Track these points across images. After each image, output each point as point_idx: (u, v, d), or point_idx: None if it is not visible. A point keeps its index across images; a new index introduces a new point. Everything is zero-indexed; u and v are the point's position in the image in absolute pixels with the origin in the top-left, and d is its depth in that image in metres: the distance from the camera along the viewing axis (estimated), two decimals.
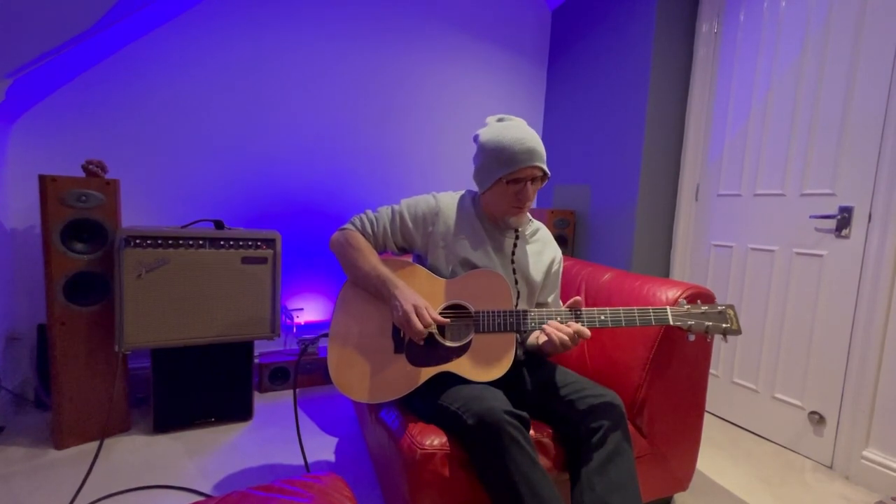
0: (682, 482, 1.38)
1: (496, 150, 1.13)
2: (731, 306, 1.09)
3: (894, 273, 1.51)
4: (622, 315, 1.08)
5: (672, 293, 1.25)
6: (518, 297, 1.23)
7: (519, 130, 1.14)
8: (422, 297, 1.12)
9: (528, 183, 1.15)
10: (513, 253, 1.24)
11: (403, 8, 2.39)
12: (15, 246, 1.81)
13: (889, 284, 1.52)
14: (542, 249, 1.30)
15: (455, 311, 1.14)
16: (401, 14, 2.38)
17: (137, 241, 1.50)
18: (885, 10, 1.53)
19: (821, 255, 1.71)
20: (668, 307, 1.09)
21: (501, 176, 1.13)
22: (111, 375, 1.59)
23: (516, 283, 1.23)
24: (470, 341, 1.11)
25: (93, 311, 1.55)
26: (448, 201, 1.26)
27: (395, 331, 1.15)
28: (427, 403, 1.12)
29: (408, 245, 1.26)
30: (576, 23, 2.58)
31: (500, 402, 1.00)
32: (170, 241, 1.55)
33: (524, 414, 1.01)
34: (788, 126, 1.81)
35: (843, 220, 1.63)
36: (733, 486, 1.54)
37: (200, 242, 1.59)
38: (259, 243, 1.68)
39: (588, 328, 1.06)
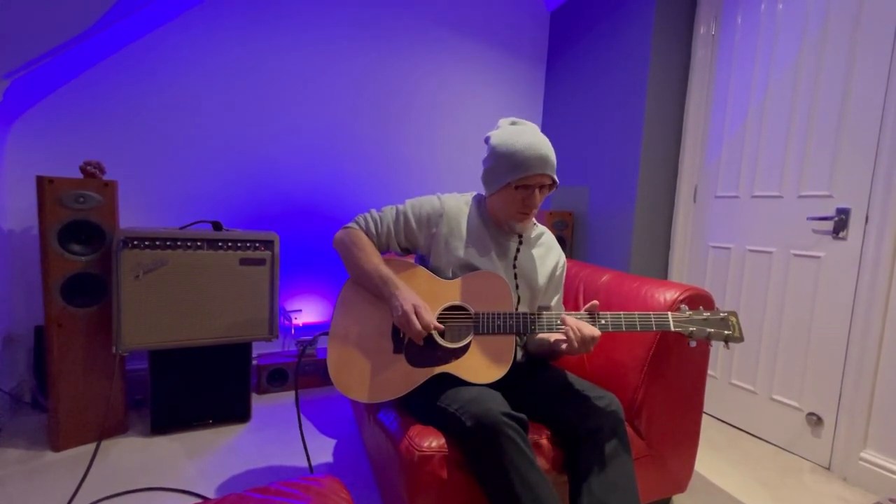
0: (681, 483, 1.38)
1: (507, 155, 1.13)
2: (734, 313, 1.08)
3: (891, 274, 1.52)
4: (623, 320, 1.08)
5: (670, 295, 1.26)
6: (519, 301, 1.23)
7: (532, 136, 1.14)
8: (423, 298, 1.12)
9: (537, 190, 1.14)
10: (515, 258, 1.24)
11: (403, 9, 2.39)
12: (13, 247, 1.81)
13: (886, 286, 1.52)
14: (545, 253, 1.30)
15: (455, 312, 1.14)
16: (400, 15, 2.39)
17: (135, 242, 1.50)
18: (882, 12, 1.54)
19: (818, 257, 1.71)
20: (669, 313, 1.08)
21: (511, 181, 1.13)
22: (108, 377, 1.58)
23: (517, 287, 1.23)
24: (469, 343, 1.11)
25: (90, 313, 1.54)
26: (452, 203, 1.25)
27: (395, 331, 1.15)
28: (425, 405, 1.12)
29: (411, 246, 1.26)
30: (574, 24, 2.58)
31: (498, 403, 1.00)
32: (168, 243, 1.55)
33: (522, 416, 1.01)
34: (786, 128, 1.82)
35: (841, 221, 1.64)
36: (731, 487, 1.54)
37: (198, 244, 1.59)
38: (257, 245, 1.68)
39: None
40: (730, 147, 2.04)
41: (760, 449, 1.82)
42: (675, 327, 1.07)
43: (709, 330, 1.06)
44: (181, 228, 1.63)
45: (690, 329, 1.06)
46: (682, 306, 1.11)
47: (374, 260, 1.17)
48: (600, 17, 2.39)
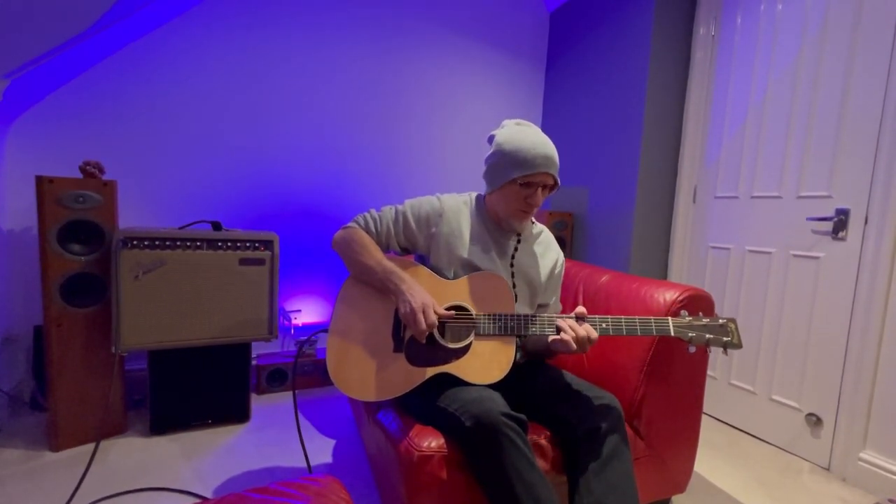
0: (680, 484, 1.38)
1: (513, 152, 1.14)
2: (733, 320, 1.08)
3: (891, 275, 1.52)
4: (623, 323, 1.08)
5: (670, 295, 1.26)
6: (517, 300, 1.23)
7: (538, 136, 1.16)
8: (426, 293, 1.12)
9: (540, 189, 1.15)
10: (513, 256, 1.24)
11: (403, 10, 2.39)
12: (12, 247, 1.81)
13: (885, 286, 1.52)
14: (544, 252, 1.31)
15: (456, 312, 1.14)
16: (400, 16, 2.39)
17: (135, 242, 1.50)
18: (881, 13, 1.54)
19: (818, 258, 1.71)
20: (669, 318, 1.09)
21: (516, 177, 1.14)
22: (108, 377, 1.58)
23: (514, 286, 1.23)
24: (470, 343, 1.11)
25: (89, 313, 1.54)
26: (452, 203, 1.26)
27: (396, 329, 1.15)
28: (425, 405, 1.12)
29: (410, 245, 1.26)
30: (574, 25, 2.58)
31: (497, 404, 1.00)
32: (167, 243, 1.55)
33: (522, 416, 1.01)
34: (785, 128, 1.82)
35: (840, 222, 1.64)
36: (731, 487, 1.54)
37: (198, 244, 1.59)
38: (257, 245, 1.68)
39: None
40: (729, 147, 2.04)
41: (760, 449, 1.82)
42: (674, 333, 1.07)
43: (708, 336, 1.06)
44: (181, 228, 1.63)
45: (690, 335, 1.06)
46: (682, 311, 1.11)
47: (376, 255, 1.17)
48: (600, 18, 2.39)
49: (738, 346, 1.06)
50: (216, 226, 1.71)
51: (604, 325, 1.08)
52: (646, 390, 1.24)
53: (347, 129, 2.34)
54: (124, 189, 1.93)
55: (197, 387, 1.72)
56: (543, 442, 1.12)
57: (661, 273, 2.29)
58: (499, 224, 1.25)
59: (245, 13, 2.08)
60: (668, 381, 1.27)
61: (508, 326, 1.11)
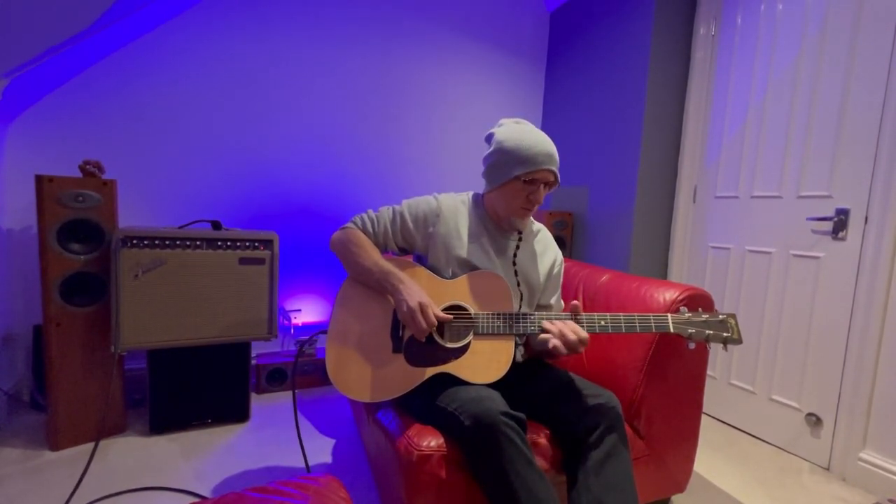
0: (680, 484, 1.38)
1: (516, 149, 1.14)
2: (733, 315, 1.08)
3: (890, 275, 1.52)
4: (622, 321, 1.08)
5: (670, 295, 1.25)
6: (521, 300, 1.23)
7: (538, 133, 1.17)
8: (424, 292, 1.12)
9: (542, 186, 1.16)
10: (515, 255, 1.24)
11: (403, 10, 2.39)
12: (11, 246, 1.81)
13: (885, 286, 1.52)
14: (543, 251, 1.31)
15: (455, 312, 1.14)
16: (400, 16, 2.39)
17: (134, 241, 1.50)
18: (882, 13, 1.54)
19: (818, 257, 1.71)
20: (668, 314, 1.08)
21: (519, 174, 1.14)
22: (107, 376, 1.58)
23: (518, 284, 1.23)
24: (469, 343, 1.11)
25: (89, 312, 1.54)
26: (449, 202, 1.25)
27: (395, 330, 1.15)
28: (424, 404, 1.12)
29: (408, 245, 1.26)
30: (574, 24, 2.58)
31: (497, 403, 1.00)
32: (167, 242, 1.54)
33: (521, 415, 1.01)
34: (785, 128, 1.82)
35: (840, 222, 1.64)
36: (730, 487, 1.54)
37: (198, 243, 1.59)
38: (257, 244, 1.67)
39: (588, 333, 1.06)
40: (729, 147, 2.04)
41: (759, 449, 1.82)
42: (674, 329, 1.07)
43: (707, 332, 1.06)
44: (180, 228, 1.63)
45: (689, 331, 1.06)
46: (682, 308, 1.11)
47: (373, 256, 1.17)
48: (600, 18, 2.39)
49: (739, 341, 1.05)
50: (216, 225, 1.71)
51: (602, 323, 1.08)
52: (645, 389, 1.24)
53: (347, 128, 2.34)
54: (124, 188, 1.93)
55: (196, 386, 1.71)
56: (542, 441, 1.12)
57: (661, 273, 2.29)
58: (498, 223, 1.25)
59: (245, 13, 2.08)
60: (667, 381, 1.27)
61: (507, 325, 1.11)
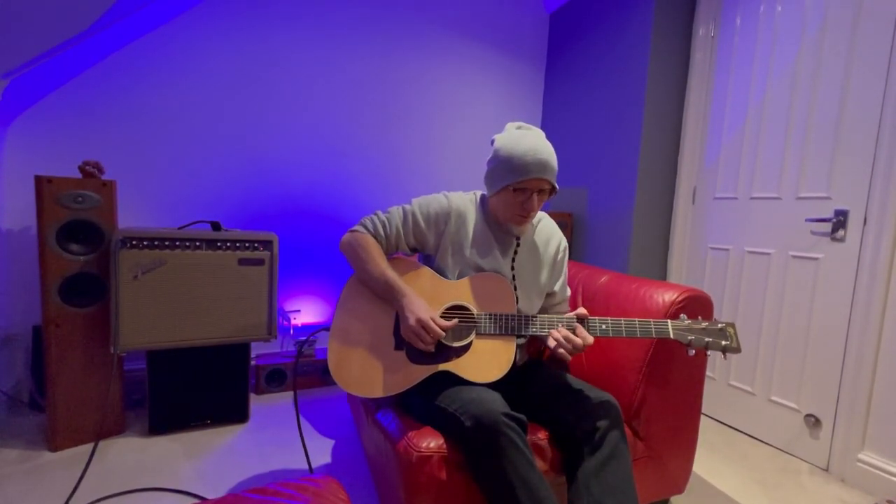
0: (679, 485, 1.38)
1: (508, 158, 1.13)
2: (732, 324, 1.09)
3: (889, 276, 1.52)
4: (623, 325, 1.09)
5: (669, 296, 1.26)
6: (518, 301, 1.23)
7: (534, 141, 1.14)
8: (426, 298, 1.13)
9: (535, 194, 1.15)
10: (514, 259, 1.24)
11: (403, 11, 2.39)
12: (10, 247, 1.81)
13: (884, 287, 1.53)
14: (547, 240, 1.30)
15: (458, 312, 1.15)
16: (401, 18, 2.39)
17: (134, 242, 1.50)
18: (881, 14, 1.54)
19: (816, 259, 1.72)
20: (668, 320, 1.09)
21: (509, 184, 1.13)
22: (106, 377, 1.58)
23: (515, 289, 1.23)
24: (471, 342, 1.11)
25: (88, 313, 1.54)
26: (459, 202, 1.26)
27: (397, 328, 1.16)
28: (424, 405, 1.12)
29: (419, 246, 1.26)
30: (574, 26, 2.59)
31: (497, 404, 1.00)
32: (166, 243, 1.54)
33: (521, 416, 1.02)
34: (784, 129, 1.82)
35: (839, 223, 1.64)
36: (729, 488, 1.54)
37: (197, 244, 1.59)
38: (256, 245, 1.67)
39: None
40: (728, 148, 2.05)
41: (758, 450, 1.82)
42: (674, 335, 1.07)
43: (707, 339, 1.06)
44: (180, 228, 1.63)
45: (689, 337, 1.06)
46: (681, 315, 1.11)
47: (381, 264, 1.18)
48: (599, 19, 2.40)
49: (737, 350, 1.06)
50: (215, 226, 1.71)
51: (603, 327, 1.09)
52: (645, 391, 1.24)
53: (347, 128, 2.34)
54: (124, 189, 1.93)
55: (196, 387, 1.71)
56: (542, 442, 1.12)
57: (660, 274, 2.30)
58: (500, 225, 1.25)
59: (245, 13, 2.08)
60: (667, 382, 1.27)
61: (509, 326, 1.11)
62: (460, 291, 1.17)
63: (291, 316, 2.26)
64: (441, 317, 1.12)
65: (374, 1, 2.32)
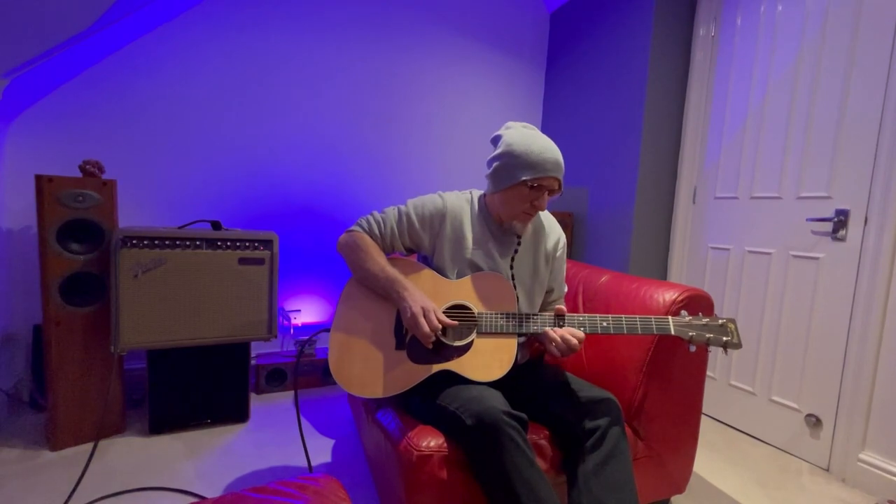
0: (679, 485, 1.38)
1: (525, 153, 1.13)
2: (732, 320, 1.09)
3: (890, 275, 1.52)
4: (624, 322, 1.09)
5: (669, 295, 1.26)
6: (517, 299, 1.23)
7: (546, 140, 1.17)
8: (427, 298, 1.12)
9: (546, 192, 1.16)
10: (513, 258, 1.24)
11: (403, 11, 2.39)
12: (11, 246, 1.81)
13: (885, 287, 1.52)
14: (547, 235, 1.30)
15: (458, 311, 1.15)
16: (401, 17, 2.39)
17: (134, 241, 1.50)
18: (881, 14, 1.54)
19: (817, 258, 1.71)
20: (669, 317, 1.09)
21: (526, 178, 1.13)
22: (106, 376, 1.58)
23: (514, 288, 1.23)
24: (471, 341, 1.11)
25: (89, 312, 1.54)
26: (454, 201, 1.25)
27: (398, 328, 1.16)
28: (425, 404, 1.12)
29: (415, 246, 1.26)
30: (574, 25, 2.59)
31: (498, 402, 1.00)
32: (167, 242, 1.54)
33: (522, 415, 1.02)
34: (785, 129, 1.82)
35: (840, 222, 1.64)
36: (730, 488, 1.54)
37: (197, 243, 1.59)
38: (256, 244, 1.67)
39: (590, 333, 1.09)
40: (729, 148, 2.04)
41: (759, 450, 1.82)
42: (675, 331, 1.07)
43: (708, 335, 1.07)
44: (180, 228, 1.63)
45: (690, 334, 1.07)
46: (682, 312, 1.12)
47: (380, 261, 1.18)
48: (600, 19, 2.40)
49: (738, 345, 1.06)
50: (216, 225, 1.71)
51: (604, 324, 1.09)
52: (645, 390, 1.24)
53: (347, 128, 2.34)
54: (124, 188, 1.93)
55: (196, 386, 1.71)
56: (543, 441, 1.12)
57: (660, 273, 2.29)
58: (500, 224, 1.25)
59: (245, 13, 2.08)
60: (667, 382, 1.27)
61: (510, 325, 1.11)
62: (461, 290, 1.17)
63: (292, 315, 2.26)
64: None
65: (373, 1, 2.32)
